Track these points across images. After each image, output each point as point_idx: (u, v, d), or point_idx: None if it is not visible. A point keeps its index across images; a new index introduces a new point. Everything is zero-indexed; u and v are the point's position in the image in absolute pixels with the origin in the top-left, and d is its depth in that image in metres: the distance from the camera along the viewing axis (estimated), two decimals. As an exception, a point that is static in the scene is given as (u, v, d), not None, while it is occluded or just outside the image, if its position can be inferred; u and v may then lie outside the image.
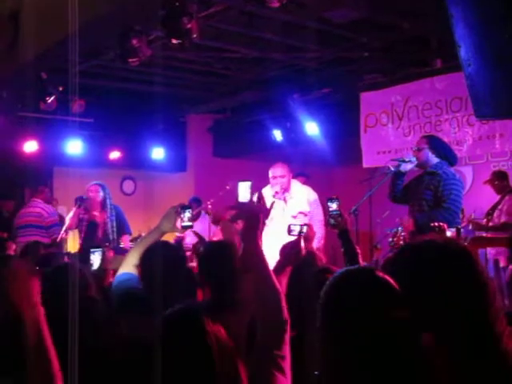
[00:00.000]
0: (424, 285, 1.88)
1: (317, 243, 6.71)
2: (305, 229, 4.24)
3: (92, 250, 4.84)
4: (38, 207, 9.22)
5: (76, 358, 2.19)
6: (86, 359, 2.26)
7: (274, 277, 2.57)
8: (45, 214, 9.14)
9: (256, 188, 3.78)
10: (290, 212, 7.44)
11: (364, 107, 10.06)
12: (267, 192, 7.42)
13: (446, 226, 4.74)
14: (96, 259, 4.77)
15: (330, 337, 1.81)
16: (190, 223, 3.87)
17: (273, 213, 7.26)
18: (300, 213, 7.40)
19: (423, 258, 1.95)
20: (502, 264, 8.32)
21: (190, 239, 9.00)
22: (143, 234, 9.98)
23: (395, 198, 6.56)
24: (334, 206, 4.52)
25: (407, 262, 1.99)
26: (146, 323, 2.46)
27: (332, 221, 4.47)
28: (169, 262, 3.53)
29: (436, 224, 4.67)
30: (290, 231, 4.31)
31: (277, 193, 7.45)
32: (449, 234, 4.76)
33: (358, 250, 4.26)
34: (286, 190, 7.50)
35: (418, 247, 2.05)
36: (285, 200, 7.50)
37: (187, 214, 3.90)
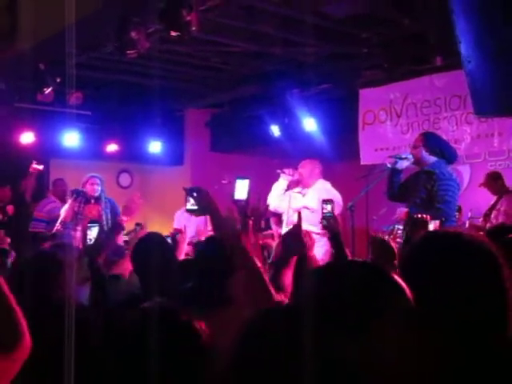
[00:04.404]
0: (440, 277, 1.86)
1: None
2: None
3: (89, 225, 4.83)
4: (42, 202, 9.16)
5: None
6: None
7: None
8: (38, 207, 9.01)
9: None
10: (295, 205, 7.58)
11: (362, 104, 10.03)
12: (280, 184, 7.87)
13: (428, 217, 4.71)
14: (93, 234, 4.76)
15: None
16: (195, 207, 3.68)
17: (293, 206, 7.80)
18: (304, 207, 7.43)
19: (445, 249, 1.94)
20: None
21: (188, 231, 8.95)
22: (142, 223, 9.98)
23: (393, 195, 6.55)
24: (328, 207, 4.53)
25: (428, 251, 1.97)
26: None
27: (325, 222, 4.48)
28: (159, 254, 3.51)
29: (419, 215, 4.65)
30: None
31: (289, 185, 7.81)
32: (431, 225, 4.73)
33: (349, 253, 4.25)
34: (300, 183, 7.80)
35: (441, 237, 2.03)
36: (303, 195, 7.75)
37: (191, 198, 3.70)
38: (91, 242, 4.71)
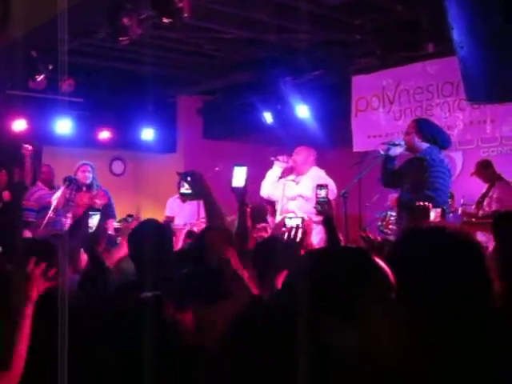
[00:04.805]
0: (428, 273, 1.86)
1: None
2: (300, 222, 4.20)
3: (90, 213, 4.83)
4: (30, 190, 9.12)
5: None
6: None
7: None
8: (26, 196, 8.98)
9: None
10: (289, 194, 7.54)
11: (355, 91, 10.03)
12: (274, 172, 7.74)
13: (431, 205, 4.76)
14: (93, 222, 4.76)
15: None
16: (189, 191, 3.60)
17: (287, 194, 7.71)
18: (299, 196, 7.42)
19: (431, 245, 1.93)
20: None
21: (178, 220, 8.97)
22: (134, 215, 9.96)
23: (387, 182, 6.56)
24: (322, 193, 4.54)
25: (414, 247, 1.96)
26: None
27: (319, 207, 4.49)
28: (155, 242, 3.50)
29: (421, 203, 4.69)
30: (284, 225, 4.29)
31: (283, 172, 7.71)
32: (433, 213, 4.77)
33: (341, 238, 4.26)
34: (294, 170, 7.67)
35: (426, 233, 2.02)
36: (297, 183, 7.63)
37: (185, 182, 3.63)
38: (92, 231, 4.71)
